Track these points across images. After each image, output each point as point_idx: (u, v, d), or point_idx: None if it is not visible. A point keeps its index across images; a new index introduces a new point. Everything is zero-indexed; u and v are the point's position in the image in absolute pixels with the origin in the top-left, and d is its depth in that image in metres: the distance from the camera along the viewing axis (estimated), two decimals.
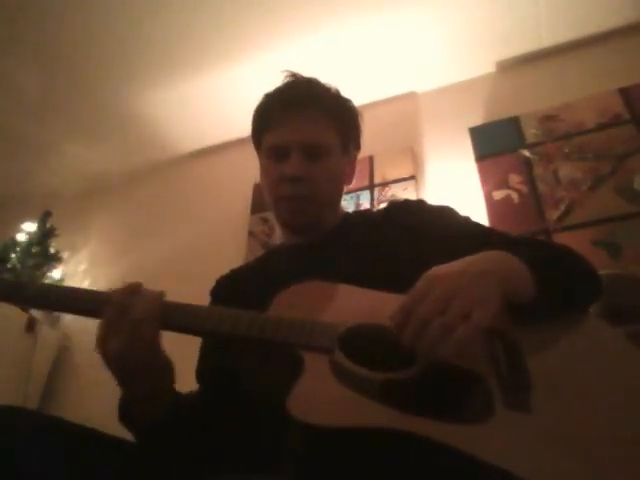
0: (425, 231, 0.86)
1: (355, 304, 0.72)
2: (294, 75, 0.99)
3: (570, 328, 0.69)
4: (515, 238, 0.89)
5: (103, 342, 0.69)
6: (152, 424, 0.74)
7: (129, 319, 0.68)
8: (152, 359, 0.71)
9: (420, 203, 0.98)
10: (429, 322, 0.57)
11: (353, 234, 0.94)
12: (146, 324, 0.69)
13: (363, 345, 0.64)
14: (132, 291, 0.71)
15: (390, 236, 0.88)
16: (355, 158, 1.04)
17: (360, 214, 1.11)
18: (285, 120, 0.92)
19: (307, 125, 0.92)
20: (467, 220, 0.92)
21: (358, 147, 1.04)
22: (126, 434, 0.73)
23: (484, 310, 0.59)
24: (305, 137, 0.91)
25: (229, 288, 0.98)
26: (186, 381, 0.89)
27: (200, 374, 0.91)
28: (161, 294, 0.73)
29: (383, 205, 1.09)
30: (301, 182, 0.90)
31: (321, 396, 0.60)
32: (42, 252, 2.64)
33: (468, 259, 0.66)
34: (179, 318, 0.72)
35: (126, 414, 0.76)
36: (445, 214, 0.93)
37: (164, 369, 0.75)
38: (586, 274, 0.77)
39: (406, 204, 0.99)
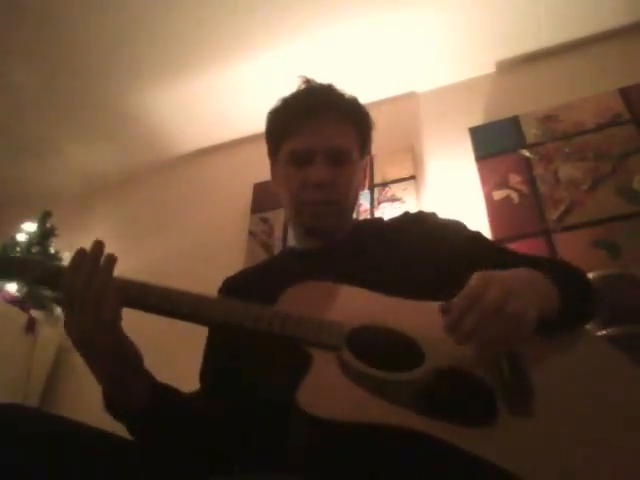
0: (438, 241, 0.88)
1: (357, 305, 0.74)
2: (309, 81, 0.99)
3: (566, 339, 0.73)
4: (533, 257, 0.90)
5: (67, 325, 0.67)
6: (134, 415, 0.72)
7: (88, 299, 0.66)
8: (114, 343, 0.68)
9: (433, 215, 0.99)
10: (489, 319, 0.59)
11: (365, 242, 0.95)
12: (105, 305, 0.66)
13: (368, 345, 0.66)
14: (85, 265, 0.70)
15: (402, 245, 0.89)
16: (367, 163, 1.06)
17: (372, 222, 1.12)
18: (308, 126, 0.92)
19: (331, 130, 0.93)
20: (479, 235, 0.94)
21: (369, 152, 1.05)
22: (125, 432, 0.73)
23: (534, 313, 0.61)
24: (330, 142, 0.92)
25: (237, 288, 0.97)
26: (188, 381, 0.89)
27: (204, 375, 0.91)
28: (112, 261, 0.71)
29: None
30: (326, 188, 0.91)
31: (330, 390, 0.62)
32: (42, 252, 2.63)
33: (513, 270, 0.68)
34: (150, 299, 0.70)
35: (109, 405, 0.73)
36: (458, 227, 0.94)
37: (126, 354, 0.71)
38: (593, 296, 0.79)
39: (420, 215, 1.00)
